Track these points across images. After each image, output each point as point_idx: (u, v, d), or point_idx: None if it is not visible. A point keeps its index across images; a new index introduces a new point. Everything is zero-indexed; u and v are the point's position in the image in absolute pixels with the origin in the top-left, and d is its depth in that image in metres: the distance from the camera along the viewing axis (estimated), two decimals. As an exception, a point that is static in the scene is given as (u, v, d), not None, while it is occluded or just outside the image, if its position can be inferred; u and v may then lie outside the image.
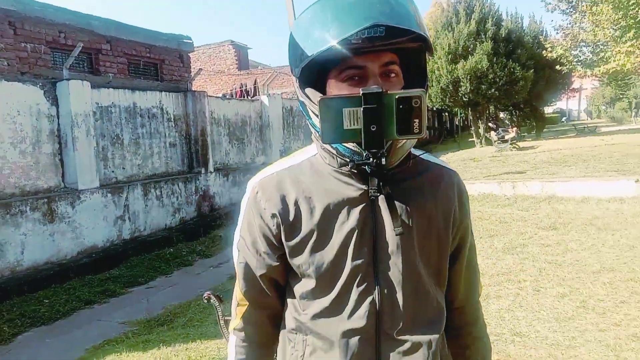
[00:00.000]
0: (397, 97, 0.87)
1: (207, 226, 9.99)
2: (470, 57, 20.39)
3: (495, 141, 19.36)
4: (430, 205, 1.12)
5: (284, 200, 1.10)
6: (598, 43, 19.18)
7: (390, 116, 0.87)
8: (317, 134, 1.06)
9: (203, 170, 10.63)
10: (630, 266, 5.19)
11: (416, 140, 1.02)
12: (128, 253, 8.11)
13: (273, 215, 1.10)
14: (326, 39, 0.95)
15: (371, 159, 0.94)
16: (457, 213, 1.17)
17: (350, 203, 1.07)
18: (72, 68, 8.49)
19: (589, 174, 10.02)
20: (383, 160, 0.94)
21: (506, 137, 19.05)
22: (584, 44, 20.61)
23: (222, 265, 7.69)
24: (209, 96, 11.39)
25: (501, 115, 28.95)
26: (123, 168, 8.91)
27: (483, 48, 20.18)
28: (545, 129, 29.50)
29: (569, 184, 9.37)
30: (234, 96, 17.06)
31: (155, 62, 10.92)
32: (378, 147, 0.90)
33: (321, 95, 1.03)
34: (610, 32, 18.06)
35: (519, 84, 20.70)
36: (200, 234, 9.57)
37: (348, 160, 1.02)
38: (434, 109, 27.41)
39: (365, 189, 1.05)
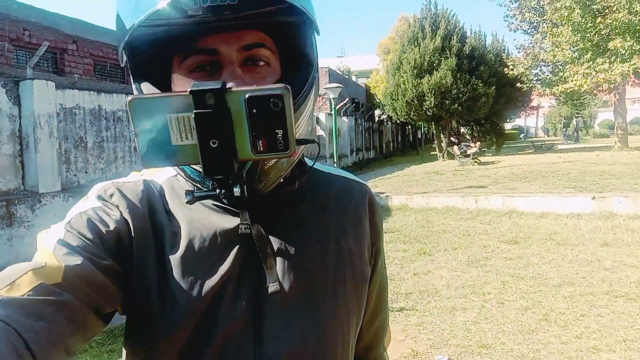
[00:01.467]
0: (246, 96, 0.57)
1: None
2: (435, 72, 20.86)
3: (457, 155, 19.78)
4: (336, 233, 0.83)
5: (145, 216, 0.75)
6: (557, 63, 19.92)
7: (240, 126, 0.58)
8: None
9: (168, 176, 10.49)
10: (588, 280, 5.38)
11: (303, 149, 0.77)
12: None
13: (126, 225, 0.73)
14: (149, 3, 0.65)
15: (218, 190, 0.67)
16: (371, 235, 0.89)
17: (225, 237, 0.75)
18: (36, 67, 8.27)
19: (548, 190, 10.37)
20: (236, 190, 0.66)
21: (468, 152, 19.49)
22: (543, 63, 21.40)
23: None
24: (176, 101, 11.27)
25: (462, 130, 29.62)
26: (86, 172, 8.70)
27: (448, 64, 20.68)
28: (504, 145, 30.31)
29: (529, 199, 9.66)
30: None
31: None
32: (225, 172, 0.60)
33: (130, 95, 0.63)
34: (569, 53, 18.77)
35: (481, 100, 21.28)
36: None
37: (195, 188, 0.74)
38: (398, 122, 27.84)
39: (245, 221, 0.74)
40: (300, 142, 0.68)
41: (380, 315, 0.97)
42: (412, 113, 22.09)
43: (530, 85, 22.12)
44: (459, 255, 6.74)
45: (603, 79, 17.48)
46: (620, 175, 11.76)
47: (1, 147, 7.27)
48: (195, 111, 0.57)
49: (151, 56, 0.73)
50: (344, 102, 19.32)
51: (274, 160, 0.70)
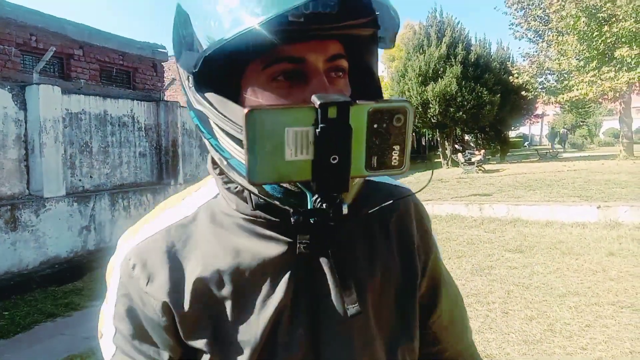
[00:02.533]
0: (370, 110, 0.55)
1: (175, 238, 9.82)
2: (440, 79, 20.87)
3: (462, 163, 19.74)
4: (382, 246, 0.80)
5: (174, 280, 0.72)
6: (562, 72, 19.87)
7: (358, 141, 0.56)
8: (225, 162, 0.71)
9: (173, 182, 10.49)
10: (594, 290, 5.34)
11: None
12: (93, 265, 7.90)
13: (162, 305, 0.72)
14: (245, 13, 0.59)
15: (325, 207, 0.61)
16: (421, 246, 0.86)
17: (275, 267, 0.72)
18: (42, 72, 8.30)
19: (553, 198, 10.32)
20: (344, 208, 0.62)
21: (472, 160, 19.45)
22: (549, 71, 21.34)
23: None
24: (182, 107, 11.29)
25: (467, 137, 29.59)
26: (91, 177, 8.72)
27: (453, 71, 20.69)
28: (508, 153, 30.26)
29: (533, 207, 9.62)
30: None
31: (128, 70, 10.78)
32: (341, 190, 0.58)
33: (248, 105, 0.62)
34: (574, 62, 18.73)
35: (485, 108, 21.25)
36: (167, 246, 9.40)
37: (271, 204, 0.70)
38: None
39: (296, 244, 0.70)
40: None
41: (459, 311, 0.97)
42: (416, 120, 22.07)
43: (535, 93, 22.08)
44: (463, 263, 6.70)
45: (609, 87, 17.44)
46: (625, 184, 11.69)
47: (7, 151, 7.30)
48: (321, 125, 0.54)
49: (224, 63, 0.67)
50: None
51: (359, 180, 0.70)
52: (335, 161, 0.55)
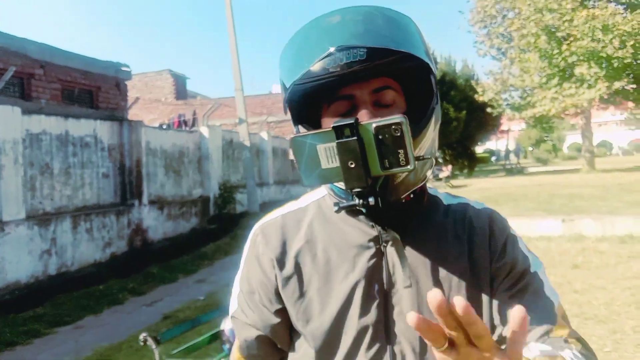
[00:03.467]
0: (373, 126, 0.75)
1: (140, 262, 9.58)
2: (407, 96, 21.19)
3: (430, 179, 19.95)
4: (453, 250, 0.95)
5: (283, 246, 0.99)
6: (526, 88, 20.35)
7: (370, 150, 0.76)
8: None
9: (137, 203, 10.29)
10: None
11: (429, 169, 0.95)
12: (54, 290, 7.65)
13: (271, 261, 0.98)
14: (300, 67, 0.87)
15: (358, 200, 0.84)
16: (497, 253, 0.95)
17: (357, 250, 0.94)
18: (2, 93, 8.08)
19: (519, 212, 10.48)
20: (371, 200, 0.82)
21: (440, 176, 19.70)
22: (512, 88, 21.83)
23: (156, 303, 7.38)
24: (146, 126, 11.15)
25: (435, 153, 29.94)
26: (52, 199, 8.49)
27: (419, 89, 21.00)
28: (476, 168, 30.73)
29: (500, 222, 9.73)
30: (172, 126, 16.79)
31: (90, 89, 10.58)
32: (360, 186, 0.78)
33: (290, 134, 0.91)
34: (537, 79, 19.21)
35: (452, 125, 21.60)
36: (132, 270, 9.16)
37: (341, 201, 0.92)
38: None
39: (375, 233, 0.94)
40: (418, 158, 0.87)
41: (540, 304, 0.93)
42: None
43: (500, 110, 22.57)
44: (432, 279, 6.71)
45: (571, 103, 17.94)
46: (588, 197, 11.97)
47: (-38, 174, 7.05)
48: (337, 141, 0.76)
49: (306, 105, 0.94)
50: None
51: (404, 175, 0.88)
52: (353, 165, 0.76)
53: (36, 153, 8.23)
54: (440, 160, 28.93)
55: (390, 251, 0.92)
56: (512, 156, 40.30)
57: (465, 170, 28.66)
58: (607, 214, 9.33)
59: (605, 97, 18.77)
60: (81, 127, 9.15)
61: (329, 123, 0.88)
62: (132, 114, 13.32)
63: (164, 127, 14.77)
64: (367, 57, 0.83)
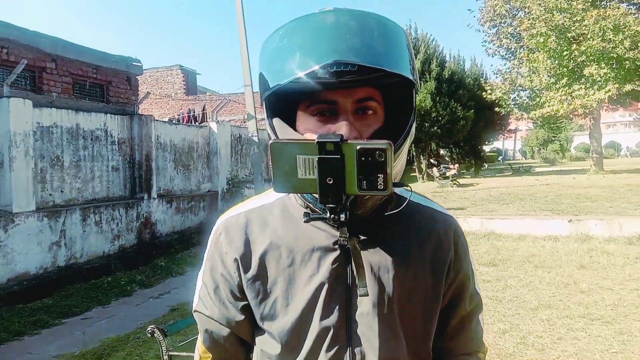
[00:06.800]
0: (358, 148, 0.75)
1: (148, 254, 9.68)
2: (415, 95, 21.11)
3: (437, 177, 19.93)
4: (417, 255, 0.98)
5: (247, 246, 0.98)
6: (534, 88, 20.23)
7: (350, 169, 0.76)
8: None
9: (146, 196, 10.35)
10: (565, 303, 5.41)
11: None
12: (63, 281, 7.73)
13: (235, 261, 0.98)
14: (289, 70, 0.86)
15: (329, 214, 0.84)
16: (453, 264, 1.02)
17: (322, 252, 0.94)
18: (13, 85, 8.15)
19: (526, 212, 10.47)
20: (342, 216, 0.83)
21: (447, 174, 19.66)
22: (521, 88, 21.72)
23: (163, 296, 7.45)
24: (156, 120, 11.19)
25: (442, 152, 29.93)
26: (62, 191, 8.56)
27: (427, 87, 20.92)
28: (483, 167, 30.64)
29: (506, 221, 9.74)
30: (181, 121, 16.84)
31: (101, 84, 10.64)
32: (334, 203, 0.79)
33: (287, 129, 0.94)
34: (545, 79, 19.08)
35: (460, 123, 21.52)
36: (140, 262, 9.25)
37: (309, 210, 0.94)
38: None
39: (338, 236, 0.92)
40: (395, 184, 0.88)
41: (470, 332, 1.08)
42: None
43: (508, 109, 22.47)
44: (438, 277, 6.73)
45: (579, 104, 17.83)
46: (595, 198, 11.94)
47: (-26, 165, 7.12)
48: (319, 156, 0.76)
49: (285, 101, 0.95)
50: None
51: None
52: (331, 182, 0.76)
53: (47, 146, 8.30)
54: (447, 158, 28.90)
55: (355, 253, 0.92)
56: (518, 155, 40.16)
57: (472, 169, 28.58)
58: (614, 215, 9.32)
59: (615, 98, 18.66)
60: (92, 121, 9.21)
61: (306, 121, 0.93)
62: (143, 109, 13.39)
63: (174, 121, 14.82)
64: (358, 70, 0.83)
